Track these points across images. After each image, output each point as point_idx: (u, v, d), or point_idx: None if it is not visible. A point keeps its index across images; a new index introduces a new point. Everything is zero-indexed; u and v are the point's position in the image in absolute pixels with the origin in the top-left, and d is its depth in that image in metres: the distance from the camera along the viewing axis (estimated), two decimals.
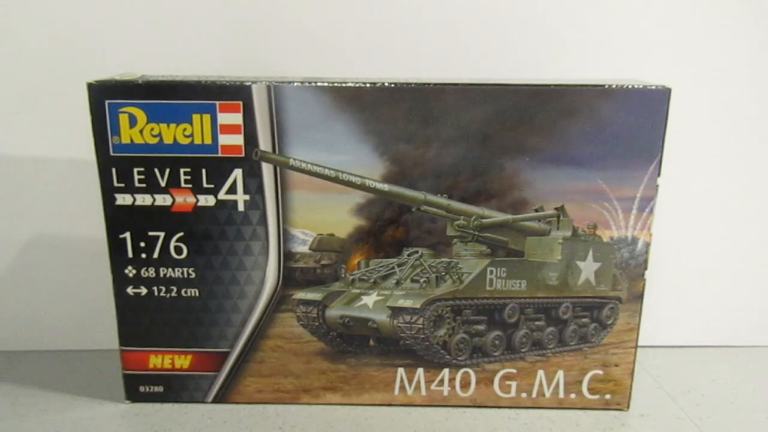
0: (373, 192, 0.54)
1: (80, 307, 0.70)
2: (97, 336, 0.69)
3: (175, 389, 0.59)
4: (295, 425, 0.57)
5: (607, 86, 0.52)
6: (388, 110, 0.53)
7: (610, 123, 0.52)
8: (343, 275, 0.58)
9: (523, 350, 0.59)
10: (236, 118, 0.53)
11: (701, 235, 0.70)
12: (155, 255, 0.56)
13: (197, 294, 0.57)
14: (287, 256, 0.56)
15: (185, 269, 0.56)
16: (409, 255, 0.57)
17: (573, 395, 0.59)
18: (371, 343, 0.59)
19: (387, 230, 0.56)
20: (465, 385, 0.59)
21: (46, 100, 0.65)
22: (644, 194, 0.54)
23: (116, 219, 0.55)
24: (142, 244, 0.56)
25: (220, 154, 0.53)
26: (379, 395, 0.59)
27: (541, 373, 0.59)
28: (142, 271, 0.56)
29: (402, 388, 0.59)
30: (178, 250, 0.56)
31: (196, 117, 0.53)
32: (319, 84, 0.52)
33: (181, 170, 0.54)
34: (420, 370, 0.59)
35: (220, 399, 0.59)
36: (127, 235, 0.55)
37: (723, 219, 0.70)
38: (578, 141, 0.53)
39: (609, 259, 0.57)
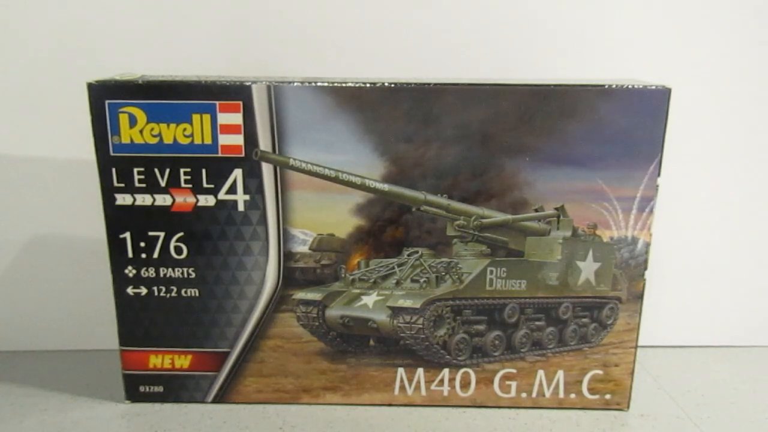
0: (373, 192, 0.54)
1: (80, 307, 0.70)
2: (97, 336, 0.69)
3: (175, 389, 0.59)
4: (295, 425, 0.57)
5: (607, 86, 0.52)
6: (388, 110, 0.53)
7: (610, 123, 0.52)
8: (343, 275, 0.58)
9: (523, 350, 0.59)
10: (236, 118, 0.53)
11: (701, 235, 0.70)
12: (155, 255, 0.56)
13: (197, 294, 0.57)
14: (287, 256, 0.56)
15: (185, 269, 0.56)
16: (409, 255, 0.57)
17: (573, 395, 0.59)
18: (371, 343, 0.59)
19: (387, 230, 0.56)
20: (465, 385, 0.59)
21: (46, 100, 0.65)
22: (644, 194, 0.54)
23: (116, 219, 0.55)
24: (142, 244, 0.56)
25: (220, 154, 0.53)
26: (379, 395, 0.59)
27: (541, 373, 0.59)
28: (142, 271, 0.56)
29: (402, 388, 0.59)
30: (178, 250, 0.56)
31: (196, 117, 0.53)
32: (319, 84, 0.52)
33: (181, 170, 0.54)
34: (420, 370, 0.59)
35: (220, 399, 0.59)
36: (127, 235, 0.55)
37: (723, 219, 0.70)
38: (578, 141, 0.53)
39: (609, 259, 0.57)
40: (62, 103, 0.63)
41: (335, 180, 0.54)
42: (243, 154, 0.53)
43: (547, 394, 0.59)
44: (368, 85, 0.52)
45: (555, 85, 0.52)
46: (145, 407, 0.59)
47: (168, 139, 0.53)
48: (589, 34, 0.66)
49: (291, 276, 0.57)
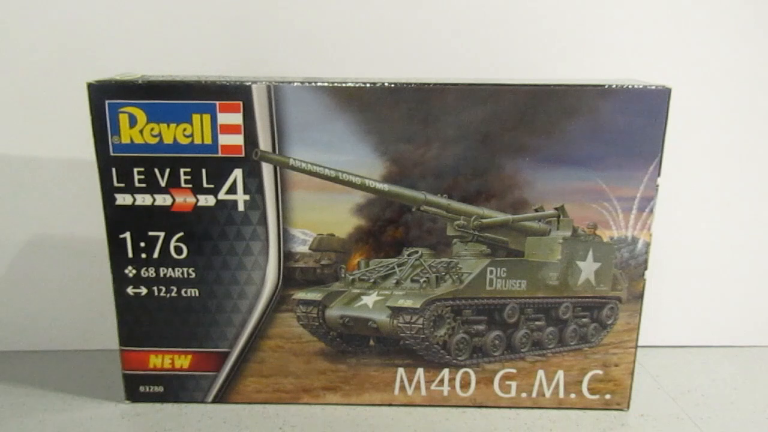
0: (373, 192, 0.54)
1: (80, 307, 0.70)
2: (97, 336, 0.69)
3: (175, 389, 0.59)
4: (295, 425, 0.57)
5: (607, 86, 0.52)
6: (388, 110, 0.53)
7: (610, 123, 0.52)
8: (343, 275, 0.58)
9: (523, 350, 0.59)
10: (236, 118, 0.53)
11: (701, 235, 0.70)
12: (155, 255, 0.56)
13: (197, 294, 0.57)
14: (287, 256, 0.56)
15: (185, 269, 0.56)
16: (409, 255, 0.57)
17: (573, 395, 0.59)
18: (371, 343, 0.59)
19: (387, 230, 0.56)
20: (465, 385, 0.59)
21: (46, 100, 0.65)
22: (644, 194, 0.54)
23: (116, 219, 0.55)
24: (142, 244, 0.56)
25: (220, 154, 0.53)
26: (379, 395, 0.59)
27: (541, 373, 0.59)
28: (142, 271, 0.56)
29: (402, 388, 0.59)
30: (178, 250, 0.56)
31: (196, 117, 0.53)
32: (319, 84, 0.52)
33: (181, 170, 0.54)
34: (420, 370, 0.59)
35: (220, 399, 0.59)
36: (127, 235, 0.55)
37: (723, 219, 0.70)
38: (578, 141, 0.53)
39: (609, 259, 0.57)
40: (62, 103, 0.63)
41: (335, 180, 0.54)
42: (243, 154, 0.53)
43: (547, 394, 0.59)
44: (368, 85, 0.52)
45: (555, 85, 0.52)
46: (145, 407, 0.59)
47: (168, 139, 0.53)
48: (589, 33, 0.66)
49: (291, 276, 0.57)
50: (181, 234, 0.55)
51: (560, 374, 0.59)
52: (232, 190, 0.54)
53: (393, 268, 0.57)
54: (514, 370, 0.59)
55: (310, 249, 0.56)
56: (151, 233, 0.55)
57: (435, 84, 0.52)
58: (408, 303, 0.56)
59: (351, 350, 0.59)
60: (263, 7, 0.65)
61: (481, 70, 0.65)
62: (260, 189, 0.54)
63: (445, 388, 0.59)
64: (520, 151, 0.53)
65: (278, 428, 0.56)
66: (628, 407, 0.60)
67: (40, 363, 0.68)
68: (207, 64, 0.64)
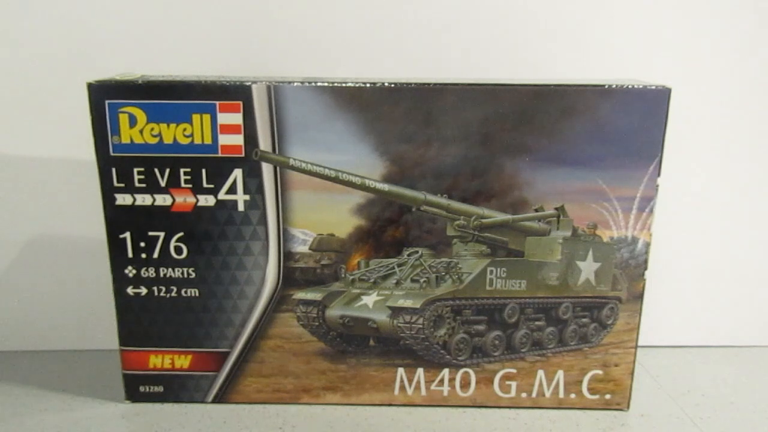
0: (373, 192, 0.54)
1: (80, 307, 0.70)
2: (97, 336, 0.69)
3: (175, 389, 0.59)
4: (295, 425, 0.57)
5: (607, 86, 0.52)
6: (388, 110, 0.53)
7: (610, 123, 0.52)
8: (343, 275, 0.58)
9: (523, 350, 0.59)
10: (236, 118, 0.53)
11: (701, 235, 0.70)
12: (155, 255, 0.56)
13: (197, 294, 0.57)
14: (287, 256, 0.56)
15: (185, 269, 0.56)
16: (409, 255, 0.57)
17: (573, 395, 0.59)
18: (371, 343, 0.59)
19: (387, 230, 0.56)
20: (465, 385, 0.59)
21: (46, 100, 0.65)
22: (644, 194, 0.54)
23: (116, 219, 0.55)
24: (142, 244, 0.56)
25: (220, 154, 0.53)
26: (379, 395, 0.59)
27: (541, 373, 0.59)
28: (142, 271, 0.56)
29: (402, 388, 0.59)
30: (178, 250, 0.56)
31: (196, 117, 0.53)
32: (319, 84, 0.52)
33: (181, 170, 0.54)
34: (420, 370, 0.59)
35: (220, 399, 0.59)
36: (127, 235, 0.55)
37: (723, 219, 0.70)
38: (578, 141, 0.53)
39: (609, 259, 0.57)
40: (62, 103, 0.63)
41: (335, 180, 0.54)
42: (243, 154, 0.53)
43: (547, 394, 0.59)
44: (368, 85, 0.52)
45: (555, 85, 0.52)
46: (145, 407, 0.59)
47: (168, 139, 0.53)
48: (588, 33, 0.66)
49: (291, 276, 0.57)
50: (181, 234, 0.55)
51: (560, 374, 0.59)
52: (232, 190, 0.54)
53: (393, 268, 0.57)
54: (514, 370, 0.59)
55: (310, 249, 0.56)
56: (151, 233, 0.55)
57: (435, 84, 0.52)
58: (408, 303, 0.56)
59: (351, 350, 0.59)
60: (263, 7, 0.65)
61: (481, 70, 0.65)
62: (260, 189, 0.54)
63: (445, 388, 0.59)
64: (520, 151, 0.53)
65: (278, 428, 0.56)
66: (628, 407, 0.60)
67: (40, 363, 0.68)
68: (207, 64, 0.64)
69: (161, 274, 0.56)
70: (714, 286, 0.72)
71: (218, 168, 0.54)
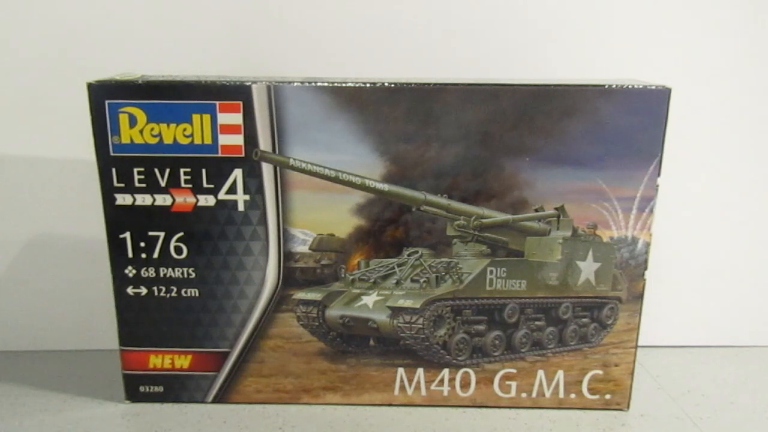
0: (373, 192, 0.54)
1: (80, 307, 0.70)
2: (97, 336, 0.69)
3: (175, 389, 0.59)
4: (295, 425, 0.57)
5: (607, 86, 0.52)
6: (388, 110, 0.53)
7: (610, 123, 0.52)
8: (343, 275, 0.58)
9: (523, 350, 0.59)
10: (236, 118, 0.53)
11: (701, 235, 0.70)
12: (155, 255, 0.56)
13: (197, 294, 0.57)
14: (287, 256, 0.56)
15: (185, 269, 0.56)
16: (409, 255, 0.57)
17: (573, 395, 0.59)
18: (371, 343, 0.59)
19: (387, 230, 0.56)
20: (465, 385, 0.59)
21: (46, 100, 0.65)
22: (644, 194, 0.54)
23: (116, 219, 0.55)
24: (142, 244, 0.56)
25: (220, 154, 0.53)
26: (379, 395, 0.59)
27: (541, 373, 0.59)
28: (142, 271, 0.56)
29: (402, 388, 0.59)
30: (178, 250, 0.56)
31: (196, 117, 0.53)
32: (319, 84, 0.52)
33: (181, 170, 0.54)
34: (420, 370, 0.59)
35: (220, 399, 0.59)
36: (127, 235, 0.55)
37: (723, 219, 0.70)
38: (578, 141, 0.53)
39: (609, 259, 0.57)
40: (62, 103, 0.63)
41: (335, 180, 0.54)
42: (243, 154, 0.53)
43: (547, 394, 0.59)
44: (368, 85, 0.52)
45: (555, 85, 0.52)
46: (145, 407, 0.59)
47: (168, 139, 0.53)
48: (588, 33, 0.66)
49: (291, 276, 0.57)
50: (181, 234, 0.55)
51: (560, 374, 0.59)
52: (232, 190, 0.54)
53: (393, 268, 0.57)
54: (514, 370, 0.59)
55: (310, 249, 0.56)
56: (151, 233, 0.55)
57: (435, 84, 0.52)
58: (408, 303, 0.56)
59: (351, 350, 0.59)
60: (263, 7, 0.65)
61: (481, 70, 0.65)
62: (260, 189, 0.54)
63: (445, 388, 0.59)
64: (520, 151, 0.53)
65: (278, 428, 0.56)
66: (628, 407, 0.60)
67: (40, 363, 0.68)
68: (207, 64, 0.64)
69: (161, 274, 0.56)
70: (714, 286, 0.72)
71: (218, 168, 0.54)
